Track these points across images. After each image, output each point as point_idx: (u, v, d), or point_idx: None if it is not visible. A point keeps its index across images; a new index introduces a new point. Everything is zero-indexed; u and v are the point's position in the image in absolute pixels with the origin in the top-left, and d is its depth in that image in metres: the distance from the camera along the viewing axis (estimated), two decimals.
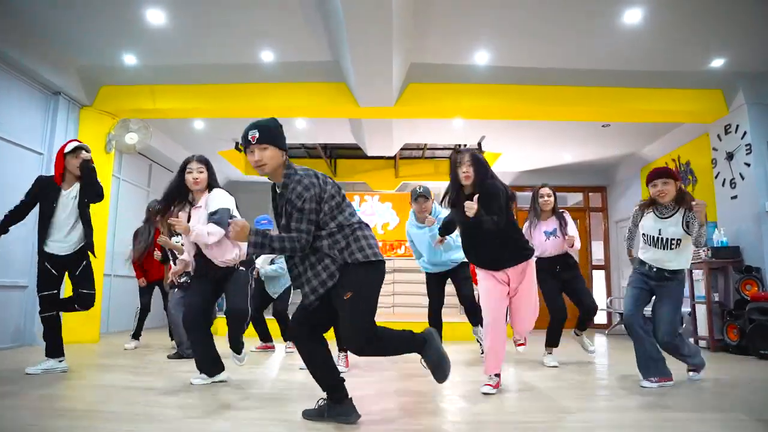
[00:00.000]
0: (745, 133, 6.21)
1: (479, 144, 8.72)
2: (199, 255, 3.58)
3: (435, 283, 4.93)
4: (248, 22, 5.17)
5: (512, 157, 9.29)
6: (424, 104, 6.51)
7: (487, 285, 3.42)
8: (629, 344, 3.89)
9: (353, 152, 10.37)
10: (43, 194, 3.94)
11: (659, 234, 3.62)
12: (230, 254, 3.53)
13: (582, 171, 10.11)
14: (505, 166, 9.83)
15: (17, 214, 3.96)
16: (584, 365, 4.73)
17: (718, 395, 3.37)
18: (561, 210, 4.80)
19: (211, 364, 3.58)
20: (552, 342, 4.73)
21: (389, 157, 9.94)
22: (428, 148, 9.97)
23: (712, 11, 4.84)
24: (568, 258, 4.77)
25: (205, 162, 3.61)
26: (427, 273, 4.96)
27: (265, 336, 5.77)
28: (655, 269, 3.68)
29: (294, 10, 4.92)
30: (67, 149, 4.03)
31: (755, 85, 6.13)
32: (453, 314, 9.51)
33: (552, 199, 4.74)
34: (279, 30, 5.32)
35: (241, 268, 3.64)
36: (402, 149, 9.14)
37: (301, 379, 3.76)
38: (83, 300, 3.97)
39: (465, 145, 9.04)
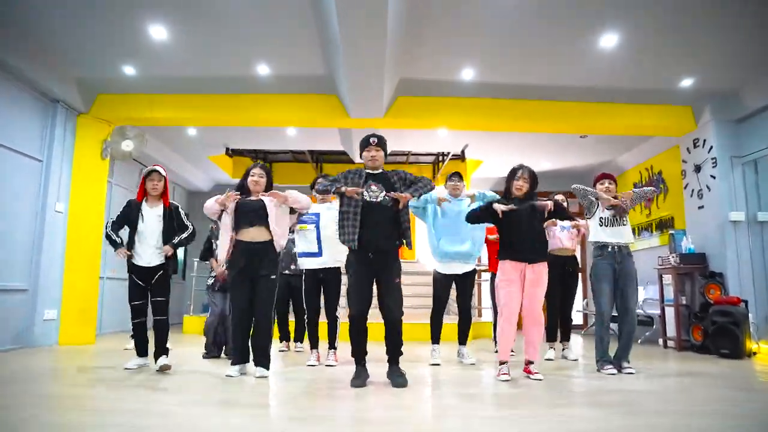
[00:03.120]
0: (711, 147, 6.65)
1: (462, 152, 9.06)
2: (239, 251, 3.99)
3: (442, 286, 4.98)
4: (247, 38, 5.41)
5: (494, 164, 9.65)
6: (412, 116, 6.82)
7: (510, 290, 4.05)
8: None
9: (339, 157, 10.65)
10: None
11: (612, 216, 4.50)
12: (284, 240, 4.16)
13: (561, 177, 10.47)
14: (487, 173, 10.20)
15: None
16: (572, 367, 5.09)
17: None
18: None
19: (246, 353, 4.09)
20: (551, 337, 5.46)
21: None
22: (412, 155, 10.30)
23: (683, 35, 5.22)
24: (575, 263, 5.54)
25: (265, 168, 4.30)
26: (435, 274, 5.02)
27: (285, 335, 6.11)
28: (615, 248, 4.46)
29: (291, 27, 5.17)
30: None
31: (721, 103, 6.58)
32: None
33: (566, 204, 5.54)
34: (276, 45, 5.56)
35: (272, 276, 4.03)
36: (387, 155, 9.41)
37: (309, 377, 4.03)
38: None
39: (449, 153, 9.37)
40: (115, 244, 4.30)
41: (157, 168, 4.42)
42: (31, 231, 5.97)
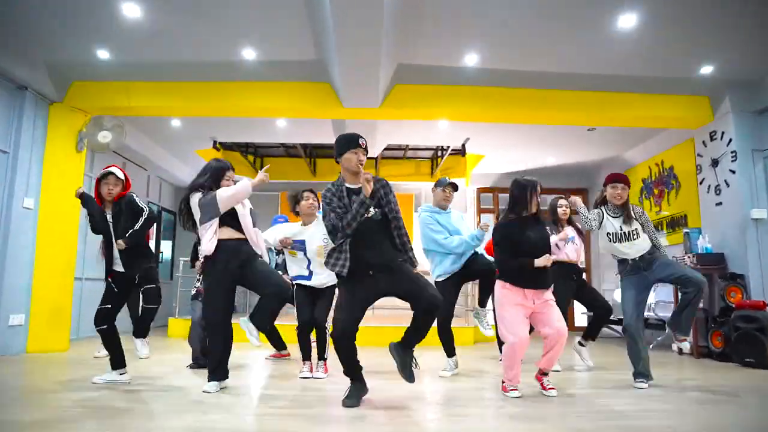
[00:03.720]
0: (730, 140, 6.20)
1: (463, 146, 8.61)
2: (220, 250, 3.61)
3: (452, 283, 4.50)
4: (229, 18, 4.93)
5: (495, 158, 9.20)
6: (410, 106, 6.35)
7: (515, 312, 3.56)
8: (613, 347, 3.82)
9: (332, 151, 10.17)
10: None
11: (620, 230, 4.11)
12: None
13: (563, 173, 10.08)
14: (488, 168, 9.76)
15: None
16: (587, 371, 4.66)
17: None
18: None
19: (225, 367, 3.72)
20: None
21: (370, 158, 9.76)
22: (410, 149, 9.84)
23: (704, 19, 4.79)
24: (580, 272, 5.10)
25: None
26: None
27: (279, 344, 5.62)
28: (638, 259, 4.07)
29: (278, 6, 4.70)
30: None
31: (742, 93, 6.13)
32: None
33: (569, 210, 5.14)
34: (261, 26, 5.09)
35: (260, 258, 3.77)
36: (384, 149, 8.98)
37: (294, 393, 3.59)
38: None
39: (448, 148, 8.92)
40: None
41: (113, 170, 4.00)
42: None
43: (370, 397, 3.35)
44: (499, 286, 3.67)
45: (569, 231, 5.07)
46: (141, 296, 4.20)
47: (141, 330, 4.19)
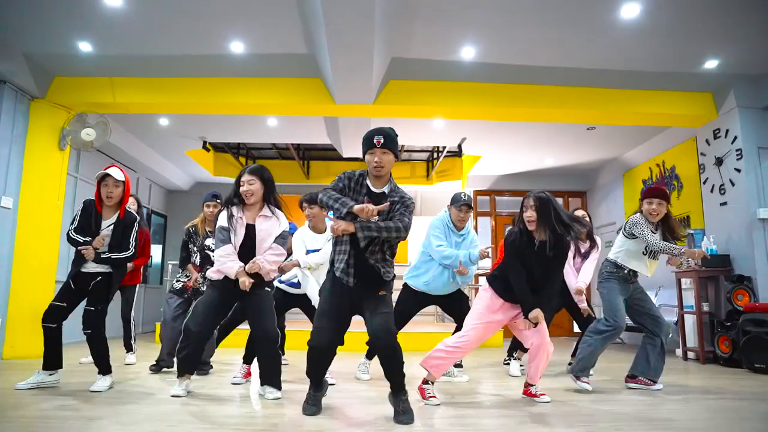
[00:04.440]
0: (735, 137, 6.01)
1: (459, 146, 8.41)
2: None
3: (414, 302, 4.34)
4: (216, 9, 4.73)
5: (492, 160, 9.00)
6: (405, 102, 6.14)
7: (489, 323, 3.44)
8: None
9: (327, 153, 9.98)
10: None
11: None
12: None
13: (562, 175, 9.89)
14: (485, 170, 9.56)
15: None
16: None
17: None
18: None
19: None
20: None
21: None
22: (405, 150, 9.64)
23: (708, 10, 4.61)
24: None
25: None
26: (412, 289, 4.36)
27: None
28: (632, 272, 4.00)
29: None
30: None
31: (747, 89, 5.95)
32: (428, 323, 9.19)
33: (588, 220, 4.93)
34: (250, 19, 4.88)
35: (267, 288, 3.55)
36: None
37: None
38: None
39: (444, 148, 8.71)
40: (77, 243, 3.60)
41: (111, 171, 3.69)
42: None
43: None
44: (485, 288, 3.53)
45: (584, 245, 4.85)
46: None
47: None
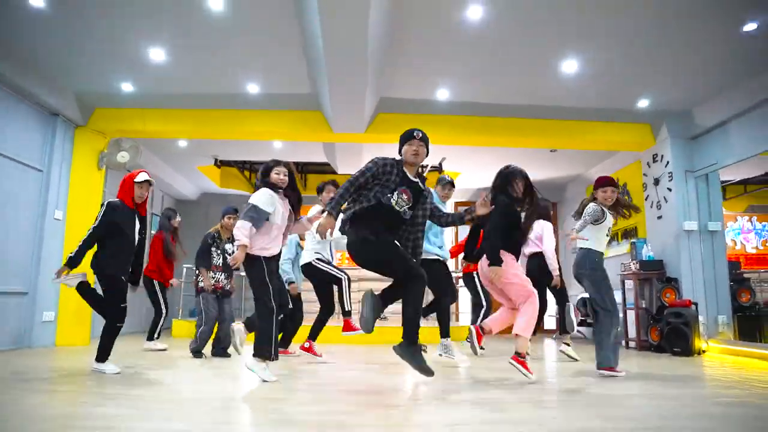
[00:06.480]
0: (668, 162, 7.20)
1: (440, 164, 9.54)
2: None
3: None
4: (238, 59, 5.85)
5: (471, 175, 10.16)
6: (392, 131, 7.18)
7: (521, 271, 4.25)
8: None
9: (323, 167, 11.06)
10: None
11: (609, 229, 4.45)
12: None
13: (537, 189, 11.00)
14: (466, 184, 10.71)
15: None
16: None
17: None
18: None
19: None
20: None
21: None
22: None
23: (638, 60, 5.73)
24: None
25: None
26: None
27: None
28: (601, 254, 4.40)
29: (279, 49, 5.62)
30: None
31: (677, 122, 7.15)
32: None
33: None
34: (265, 67, 6.01)
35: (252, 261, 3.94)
36: None
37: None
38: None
39: (427, 165, 9.85)
40: (75, 264, 4.25)
41: (150, 179, 4.37)
42: (31, 237, 6.32)
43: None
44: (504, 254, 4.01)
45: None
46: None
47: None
